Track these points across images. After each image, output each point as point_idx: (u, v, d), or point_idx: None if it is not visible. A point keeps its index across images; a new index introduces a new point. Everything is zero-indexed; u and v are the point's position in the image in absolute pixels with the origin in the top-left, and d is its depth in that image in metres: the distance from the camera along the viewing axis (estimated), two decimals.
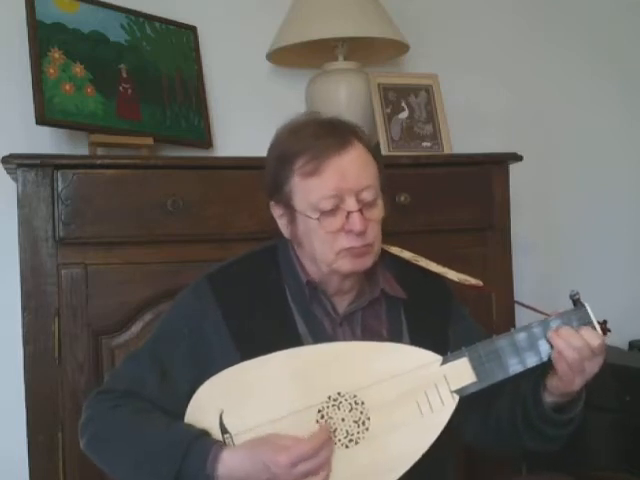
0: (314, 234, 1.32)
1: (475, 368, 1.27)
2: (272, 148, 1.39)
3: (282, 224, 1.39)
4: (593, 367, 1.26)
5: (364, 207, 1.31)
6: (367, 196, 1.31)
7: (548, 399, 1.30)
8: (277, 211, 1.39)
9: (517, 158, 2.08)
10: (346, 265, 1.33)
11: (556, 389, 1.28)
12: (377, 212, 1.34)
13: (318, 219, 1.30)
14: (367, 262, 1.34)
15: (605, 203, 2.69)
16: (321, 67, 2.23)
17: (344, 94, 2.16)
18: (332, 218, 1.30)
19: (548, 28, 2.63)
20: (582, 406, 1.32)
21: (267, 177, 1.38)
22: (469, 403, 1.30)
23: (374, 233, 1.34)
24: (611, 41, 2.69)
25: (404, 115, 2.15)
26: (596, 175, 2.68)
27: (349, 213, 1.30)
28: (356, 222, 1.29)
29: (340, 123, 1.37)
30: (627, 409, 2.11)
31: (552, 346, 1.25)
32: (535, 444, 1.37)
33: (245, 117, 2.30)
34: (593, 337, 1.24)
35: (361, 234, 1.30)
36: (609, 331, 1.31)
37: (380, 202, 1.34)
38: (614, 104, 2.70)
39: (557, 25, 2.64)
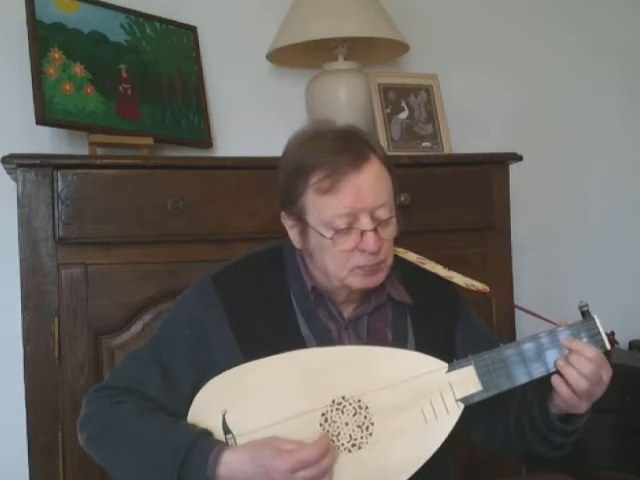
0: (326, 251, 1.30)
1: (481, 377, 1.26)
2: (287, 158, 1.35)
3: (293, 235, 1.36)
4: (601, 389, 1.25)
5: (379, 226, 1.29)
6: (382, 214, 1.29)
7: (554, 411, 1.30)
8: (288, 222, 1.36)
9: (517, 158, 2.08)
10: (358, 282, 1.31)
11: (558, 406, 1.28)
12: (391, 230, 1.32)
13: (332, 238, 1.28)
14: (379, 279, 1.33)
15: (605, 203, 2.69)
16: (321, 67, 2.23)
17: (344, 94, 2.16)
18: (346, 237, 1.28)
19: (548, 28, 2.63)
20: (589, 415, 1.32)
21: (280, 188, 1.35)
22: (478, 408, 1.29)
23: (387, 250, 1.32)
24: (612, 40, 2.69)
25: (404, 115, 2.15)
26: (596, 175, 2.68)
27: (363, 232, 1.28)
28: (370, 242, 1.27)
29: (356, 135, 1.34)
30: (628, 409, 2.11)
31: (557, 371, 1.25)
32: (543, 451, 1.36)
33: (245, 117, 2.30)
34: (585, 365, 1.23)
35: (374, 253, 1.28)
36: (617, 343, 1.31)
37: (394, 220, 1.32)
38: (615, 104, 2.70)
39: (557, 25, 2.64)
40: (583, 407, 1.26)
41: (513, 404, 1.37)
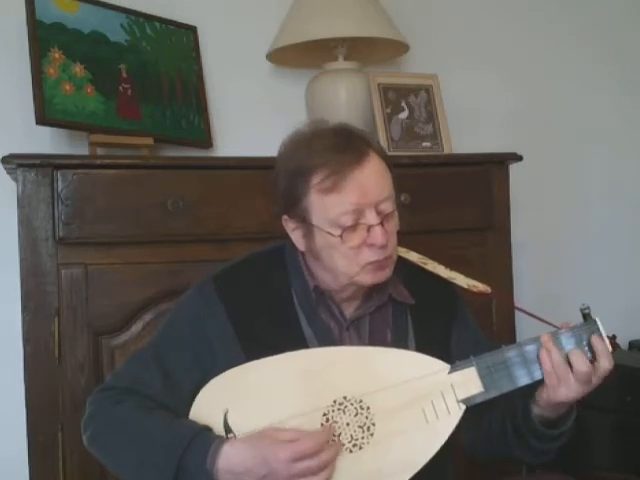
0: (334, 249, 1.30)
1: (482, 378, 1.26)
2: (284, 161, 1.34)
3: (296, 238, 1.36)
4: (581, 387, 1.24)
5: (384, 219, 1.29)
6: (386, 208, 1.30)
7: (537, 412, 1.29)
8: (290, 225, 1.36)
9: (517, 158, 2.08)
10: (368, 278, 1.31)
11: (541, 398, 1.27)
12: (396, 223, 1.33)
13: (340, 236, 1.28)
14: (388, 274, 1.33)
15: (605, 203, 2.69)
16: (321, 67, 2.23)
17: (344, 94, 2.16)
18: (353, 233, 1.28)
19: (548, 28, 2.63)
20: (573, 423, 1.32)
21: (280, 191, 1.34)
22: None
23: (393, 244, 1.33)
24: (612, 40, 2.69)
25: (404, 115, 2.15)
26: (596, 175, 2.68)
27: (370, 227, 1.28)
28: (378, 236, 1.28)
29: (353, 133, 1.34)
30: (628, 409, 2.11)
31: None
32: (524, 456, 1.36)
33: (245, 117, 2.30)
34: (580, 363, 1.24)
35: (383, 247, 1.29)
36: (618, 346, 1.31)
37: (396, 213, 1.33)
38: (615, 104, 2.70)
39: (557, 25, 2.64)
40: (563, 393, 1.24)
41: (496, 410, 1.36)
